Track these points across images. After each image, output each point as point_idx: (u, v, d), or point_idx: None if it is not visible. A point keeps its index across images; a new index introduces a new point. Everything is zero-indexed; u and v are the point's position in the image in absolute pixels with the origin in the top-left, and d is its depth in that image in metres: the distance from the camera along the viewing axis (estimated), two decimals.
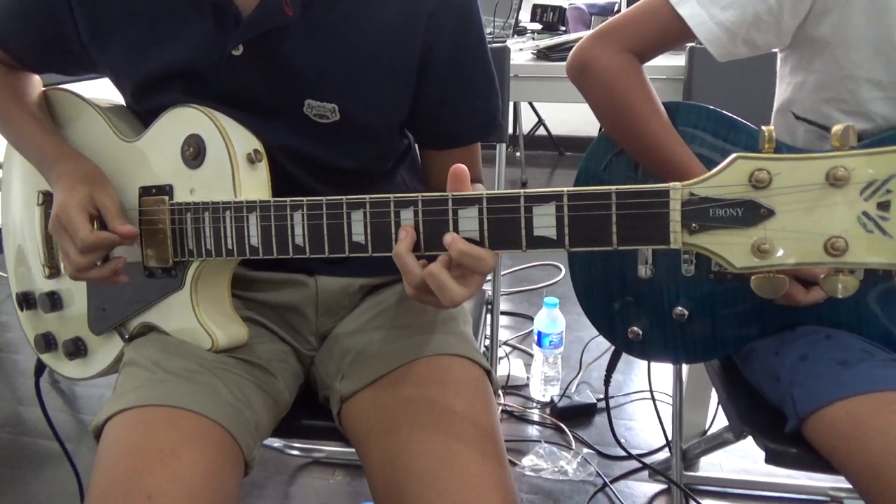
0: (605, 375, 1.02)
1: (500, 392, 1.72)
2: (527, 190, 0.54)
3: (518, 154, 3.58)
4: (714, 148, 0.87)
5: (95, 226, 0.76)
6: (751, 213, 0.47)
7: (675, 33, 0.83)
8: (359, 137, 0.82)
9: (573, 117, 3.98)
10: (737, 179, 0.47)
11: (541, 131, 3.87)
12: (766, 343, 0.87)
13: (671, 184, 0.48)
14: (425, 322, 0.84)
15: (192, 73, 0.78)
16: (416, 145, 0.94)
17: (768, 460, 0.80)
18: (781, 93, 0.93)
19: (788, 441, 0.79)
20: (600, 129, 0.97)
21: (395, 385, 0.77)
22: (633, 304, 0.91)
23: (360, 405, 0.78)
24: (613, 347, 0.97)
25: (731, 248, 0.47)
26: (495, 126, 0.88)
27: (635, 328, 0.91)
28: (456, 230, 0.58)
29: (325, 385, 0.85)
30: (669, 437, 1.17)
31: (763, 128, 0.46)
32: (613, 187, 0.50)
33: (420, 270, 0.60)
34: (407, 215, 0.60)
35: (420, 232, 0.60)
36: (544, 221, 0.54)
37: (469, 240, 0.58)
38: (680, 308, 0.88)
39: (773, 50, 0.90)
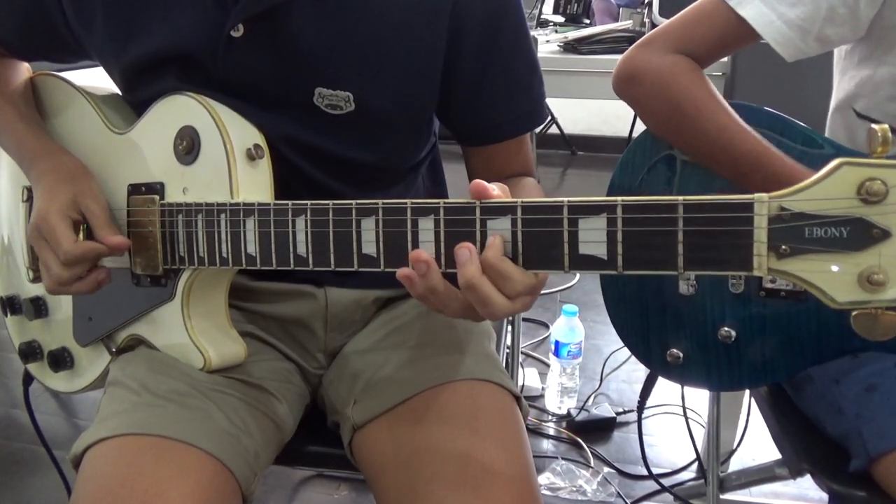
0: (639, 402, 0.93)
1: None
2: (572, 198, 0.45)
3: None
4: None
5: (81, 234, 0.68)
6: (859, 235, 0.37)
7: (736, 37, 0.75)
8: (376, 131, 0.74)
9: (586, 116, 3.90)
10: (842, 191, 0.37)
11: (553, 129, 3.77)
12: (823, 370, 0.79)
13: (756, 195, 0.39)
14: (447, 341, 0.75)
15: (187, 57, 0.70)
16: (459, 143, 0.84)
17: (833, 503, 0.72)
18: (843, 87, 0.84)
19: (855, 482, 0.71)
20: (629, 138, 0.88)
21: (415, 414, 0.69)
22: (672, 324, 0.82)
23: (374, 436, 0.70)
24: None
25: (832, 277, 0.38)
26: (539, 117, 0.79)
27: (675, 350, 0.83)
28: (484, 244, 0.49)
29: (335, 410, 0.77)
30: (704, 463, 1.08)
31: (874, 126, 0.37)
32: (681, 197, 0.41)
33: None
34: (426, 224, 0.52)
35: (441, 245, 0.51)
36: (592, 237, 0.45)
37: None
38: (726, 329, 0.80)
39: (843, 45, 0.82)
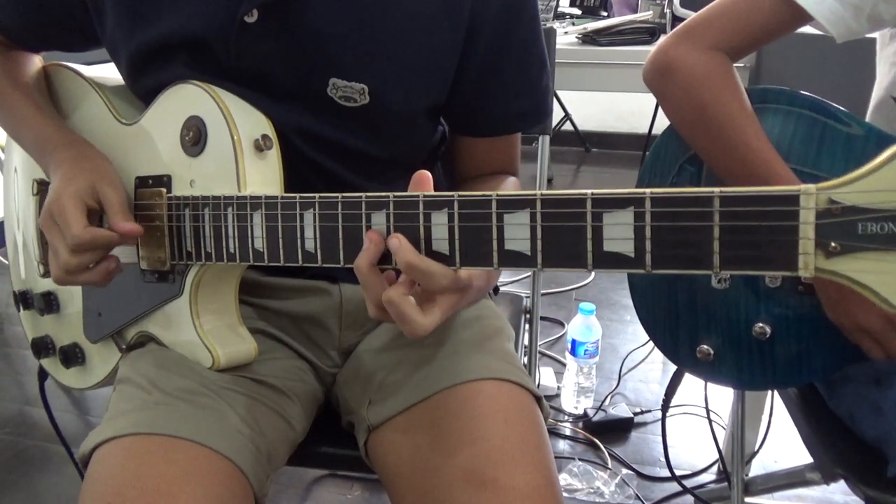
0: (664, 401, 0.90)
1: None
2: (596, 190, 0.42)
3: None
4: (809, 140, 0.75)
5: (101, 223, 0.66)
6: None
7: (783, 20, 0.72)
8: (390, 124, 0.71)
9: (600, 112, 3.84)
10: None
11: (566, 126, 3.71)
12: (862, 369, 0.75)
13: (802, 186, 0.36)
14: (465, 339, 0.73)
15: (198, 43, 0.67)
16: (451, 129, 0.82)
17: None
18: (885, 77, 0.80)
19: (892, 488, 0.68)
20: (649, 135, 0.85)
21: (433, 415, 0.66)
22: (703, 319, 0.79)
23: (390, 437, 0.68)
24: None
25: (888, 278, 0.34)
26: (544, 113, 0.77)
27: (705, 347, 0.79)
28: (501, 240, 0.46)
29: (350, 410, 0.75)
30: (728, 466, 1.04)
31: None
32: (717, 189, 0.38)
33: (381, 290, 0.51)
34: (440, 219, 0.49)
35: (455, 241, 0.48)
36: (618, 232, 0.41)
37: (517, 253, 0.46)
38: (760, 325, 0.76)
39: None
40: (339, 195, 0.54)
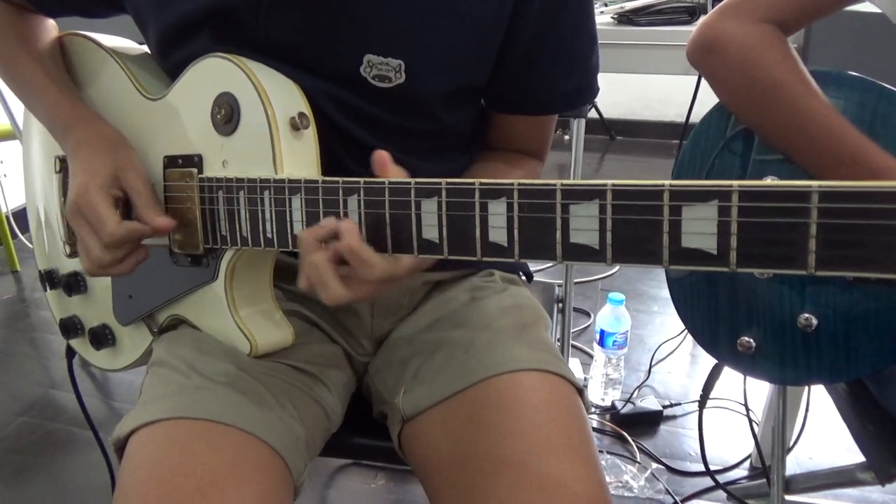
0: (702, 394, 0.87)
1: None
2: (674, 182, 0.39)
3: (567, 137, 3.38)
4: (859, 125, 0.71)
5: (126, 209, 0.64)
6: None
7: None
8: (428, 102, 0.68)
9: (627, 100, 3.77)
10: None
11: (591, 114, 3.65)
12: None
13: None
14: (503, 327, 0.70)
15: (226, 14, 0.64)
16: (487, 106, 0.78)
17: None
18: None
19: None
20: (686, 122, 0.81)
21: (472, 406, 0.63)
22: (744, 309, 0.75)
23: (427, 429, 0.66)
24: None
25: None
26: (592, 93, 0.74)
27: (746, 338, 0.75)
28: (566, 232, 0.43)
29: (382, 400, 0.73)
30: (766, 461, 1.00)
31: None
32: (815, 182, 0.35)
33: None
34: (498, 208, 0.46)
35: (514, 232, 0.45)
36: (699, 227, 0.38)
37: (584, 247, 0.43)
38: (806, 316, 0.72)
39: None
40: (385, 180, 0.51)
